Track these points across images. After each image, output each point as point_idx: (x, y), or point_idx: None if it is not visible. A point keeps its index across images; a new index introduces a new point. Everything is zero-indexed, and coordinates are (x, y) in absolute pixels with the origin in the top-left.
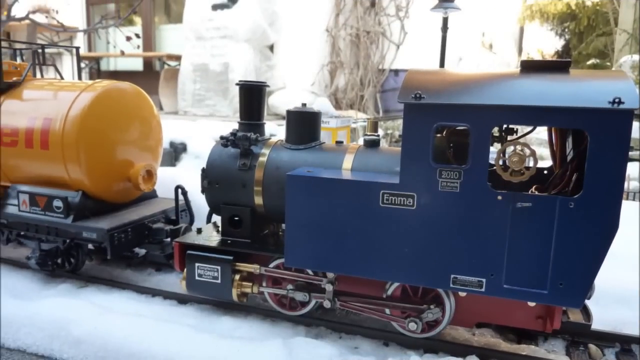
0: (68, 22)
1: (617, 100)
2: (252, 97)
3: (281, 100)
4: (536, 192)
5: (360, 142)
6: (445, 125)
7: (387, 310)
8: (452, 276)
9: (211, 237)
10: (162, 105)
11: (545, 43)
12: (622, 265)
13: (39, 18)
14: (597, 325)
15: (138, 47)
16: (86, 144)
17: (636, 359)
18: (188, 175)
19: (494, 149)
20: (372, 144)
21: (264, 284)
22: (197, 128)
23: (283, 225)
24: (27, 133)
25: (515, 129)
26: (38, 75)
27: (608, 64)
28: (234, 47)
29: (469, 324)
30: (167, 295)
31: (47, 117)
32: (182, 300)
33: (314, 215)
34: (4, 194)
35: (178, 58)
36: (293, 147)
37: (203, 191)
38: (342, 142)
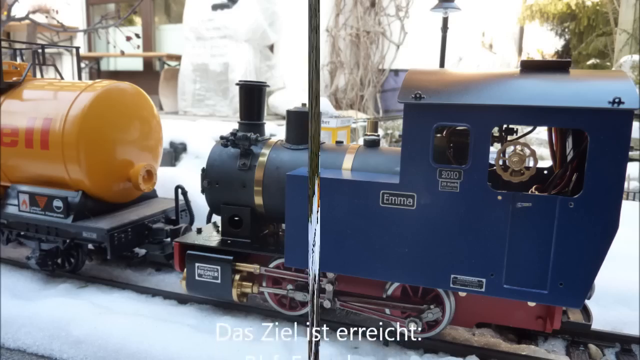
0: (68, 22)
1: (617, 100)
2: (252, 97)
3: (281, 100)
4: (536, 192)
5: (360, 142)
6: (445, 125)
7: (387, 310)
8: (452, 276)
9: (211, 237)
10: (162, 105)
11: (545, 43)
12: (622, 265)
13: (39, 18)
14: (597, 325)
15: (138, 47)
16: (86, 144)
17: (636, 359)
18: (188, 175)
19: (494, 149)
20: (372, 144)
21: (264, 284)
22: (197, 128)
23: (283, 225)
24: (27, 133)
25: (515, 129)
26: (38, 75)
27: (608, 64)
28: (234, 47)
29: (469, 324)
30: (167, 295)
31: (47, 117)
32: (182, 300)
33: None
34: (4, 194)
35: (178, 58)
36: (293, 147)
37: (203, 191)
38: (342, 142)
